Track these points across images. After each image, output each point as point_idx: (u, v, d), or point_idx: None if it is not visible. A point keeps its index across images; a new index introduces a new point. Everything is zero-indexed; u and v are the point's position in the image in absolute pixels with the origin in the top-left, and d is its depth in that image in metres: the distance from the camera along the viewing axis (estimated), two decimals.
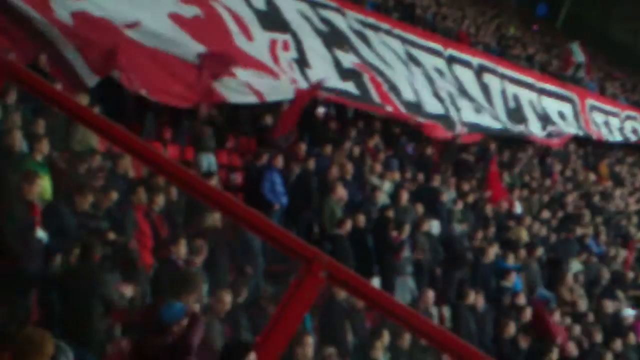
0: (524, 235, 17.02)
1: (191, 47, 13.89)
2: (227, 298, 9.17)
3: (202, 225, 10.85)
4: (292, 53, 16.52)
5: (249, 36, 15.54)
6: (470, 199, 17.67)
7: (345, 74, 17.33)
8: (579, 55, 28.99)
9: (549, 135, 24.28)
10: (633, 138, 30.13)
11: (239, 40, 15.20)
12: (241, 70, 14.50)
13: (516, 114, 23.68)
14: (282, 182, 13.48)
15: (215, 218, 10.80)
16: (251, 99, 14.57)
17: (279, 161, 13.69)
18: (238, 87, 14.34)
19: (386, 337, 10.68)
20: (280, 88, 15.25)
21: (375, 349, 10.42)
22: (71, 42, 12.50)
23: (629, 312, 16.08)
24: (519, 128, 22.68)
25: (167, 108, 13.79)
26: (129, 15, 13.27)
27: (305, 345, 8.89)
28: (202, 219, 10.88)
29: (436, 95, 19.96)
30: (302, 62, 16.55)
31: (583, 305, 15.41)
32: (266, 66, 15.35)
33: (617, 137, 28.72)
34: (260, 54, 15.42)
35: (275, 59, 15.83)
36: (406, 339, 10.99)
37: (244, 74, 14.52)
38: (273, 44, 16.10)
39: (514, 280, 15.18)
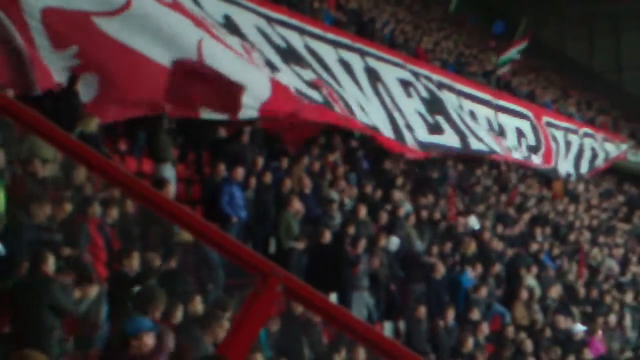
0: (472, 249, 17.10)
1: (171, 47, 13.57)
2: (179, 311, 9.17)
3: (173, 240, 10.78)
4: (260, 56, 16.48)
5: (222, 33, 15.44)
6: (427, 214, 17.78)
7: (309, 84, 17.34)
8: (514, 54, 29.17)
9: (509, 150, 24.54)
10: (598, 162, 30.51)
11: (210, 38, 15.02)
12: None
13: (474, 129, 23.90)
14: (241, 196, 13.43)
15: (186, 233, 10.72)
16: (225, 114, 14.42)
17: (239, 174, 13.64)
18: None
19: (343, 352, 10.68)
20: (257, 76, 15.06)
21: None
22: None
23: (579, 328, 16.22)
24: (478, 145, 22.84)
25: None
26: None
27: None
28: (174, 234, 10.81)
29: (389, 116, 20.00)
30: (271, 66, 16.50)
31: (538, 321, 15.52)
32: (242, 54, 15.29)
33: (569, 167, 28.94)
34: (237, 48, 15.33)
35: (249, 54, 15.77)
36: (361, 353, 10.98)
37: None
38: (244, 45, 16.04)
39: (484, 294, 15.33)
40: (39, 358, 5.76)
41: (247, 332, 3.40)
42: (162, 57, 13.28)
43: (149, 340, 6.94)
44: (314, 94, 16.90)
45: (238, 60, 14.73)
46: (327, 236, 13.77)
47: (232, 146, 14.92)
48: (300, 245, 13.25)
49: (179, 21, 13.78)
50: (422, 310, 13.80)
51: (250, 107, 14.33)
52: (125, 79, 12.81)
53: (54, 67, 12.35)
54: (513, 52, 28.88)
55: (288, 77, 16.47)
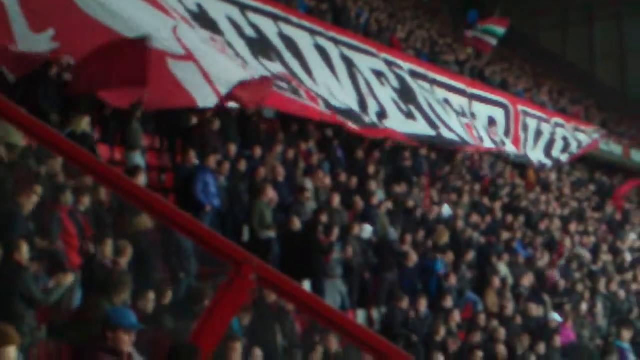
0: (446, 237, 17.16)
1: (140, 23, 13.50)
2: (150, 297, 9.17)
3: (133, 227, 10.72)
4: (230, 51, 16.45)
5: (191, 26, 15.41)
6: (401, 202, 17.84)
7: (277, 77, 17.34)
8: (493, 30, 29.22)
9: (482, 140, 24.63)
10: (572, 150, 30.68)
11: (183, 25, 14.98)
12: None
13: (445, 119, 23.98)
14: (215, 184, 13.38)
15: (145, 220, 10.68)
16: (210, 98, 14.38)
17: (212, 162, 13.59)
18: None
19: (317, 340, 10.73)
20: (231, 67, 15.05)
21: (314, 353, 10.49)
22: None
23: (554, 317, 16.34)
24: (449, 135, 22.91)
25: (95, 106, 13.52)
26: None
27: (234, 351, 8.88)
28: (133, 221, 10.75)
29: (362, 104, 20.03)
30: (240, 58, 16.49)
31: (510, 308, 15.61)
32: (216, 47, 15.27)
33: (539, 155, 29.05)
34: (204, 40, 15.29)
35: (221, 47, 15.73)
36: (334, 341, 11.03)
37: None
38: (212, 38, 16.01)
39: (457, 281, 15.42)
40: (10, 332, 5.75)
41: (219, 321, 3.40)
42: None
43: (125, 337, 6.86)
44: (284, 86, 16.92)
45: (210, 48, 14.73)
46: (297, 224, 13.79)
47: (204, 133, 14.88)
48: (271, 233, 13.28)
49: (150, 11, 13.77)
50: (405, 300, 13.86)
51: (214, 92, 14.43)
52: (103, 62, 12.69)
53: (33, 51, 12.25)
54: (492, 28, 28.90)
55: (256, 70, 16.47)
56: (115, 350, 6.82)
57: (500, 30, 29.06)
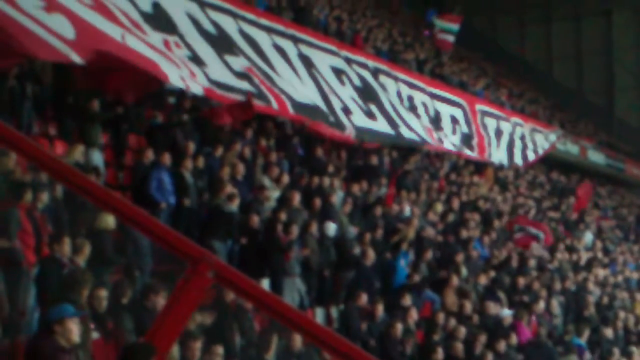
0: (411, 235, 17.25)
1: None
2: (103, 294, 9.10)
3: (95, 226, 10.66)
4: (185, 51, 16.35)
5: (142, 31, 15.29)
6: (361, 201, 17.89)
7: (238, 75, 17.27)
8: (447, 28, 29.39)
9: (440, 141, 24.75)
10: (529, 154, 30.94)
11: (135, 31, 14.87)
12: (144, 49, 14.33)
13: (414, 113, 24.10)
14: (170, 181, 13.31)
15: (108, 219, 10.62)
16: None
17: (167, 159, 13.53)
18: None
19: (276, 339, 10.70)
20: (182, 76, 15.02)
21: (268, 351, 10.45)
22: None
23: (506, 312, 16.47)
24: (409, 135, 22.99)
25: (50, 101, 13.42)
26: None
27: (194, 350, 8.86)
28: (94, 219, 10.68)
29: (325, 99, 20.05)
30: (196, 60, 16.39)
31: (468, 307, 15.70)
32: (166, 55, 15.13)
33: (502, 155, 29.27)
34: (155, 45, 15.17)
35: (172, 52, 15.63)
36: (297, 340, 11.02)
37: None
38: (166, 42, 15.90)
39: (416, 280, 15.46)
40: None
41: (176, 319, 3.38)
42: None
43: (73, 326, 6.86)
44: (244, 85, 16.86)
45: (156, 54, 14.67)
46: (255, 222, 13.77)
47: (163, 132, 14.84)
48: (233, 206, 13.33)
49: (99, 20, 13.73)
50: (364, 298, 13.88)
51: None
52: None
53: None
54: (447, 25, 29.06)
55: (215, 71, 16.39)
56: (63, 346, 6.83)
57: (455, 27, 29.21)
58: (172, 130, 14.90)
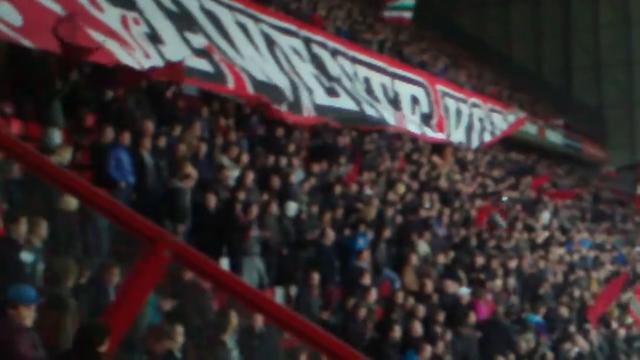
0: (372, 215, 17.32)
1: None
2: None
3: (54, 206, 10.54)
4: (144, 28, 16.17)
5: (99, 8, 15.10)
6: (321, 180, 17.89)
7: (198, 52, 17.13)
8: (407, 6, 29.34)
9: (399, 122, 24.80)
10: (486, 135, 31.08)
11: (90, 9, 14.71)
12: (94, 33, 14.12)
13: (370, 95, 24.08)
14: (129, 160, 13.20)
15: (70, 200, 10.50)
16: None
17: (126, 138, 13.41)
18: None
19: (235, 319, 10.68)
20: (134, 59, 14.90)
21: (225, 331, 10.43)
22: None
23: (464, 291, 16.61)
24: (371, 112, 23.00)
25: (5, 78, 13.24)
26: None
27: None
28: (56, 200, 10.56)
29: (287, 77, 20.00)
30: (154, 38, 16.22)
31: (428, 286, 15.80)
32: (120, 36, 14.98)
33: (460, 136, 29.39)
34: (112, 24, 15.01)
35: (128, 31, 15.45)
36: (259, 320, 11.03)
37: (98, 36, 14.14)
38: (124, 18, 15.71)
39: (367, 260, 15.49)
40: None
41: (133, 299, 3.37)
42: None
43: (28, 311, 6.79)
44: (203, 64, 16.73)
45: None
46: (212, 201, 13.72)
47: (120, 109, 14.69)
48: (181, 184, 13.29)
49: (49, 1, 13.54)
50: (315, 277, 13.88)
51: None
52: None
53: None
54: (401, 3, 28.92)
55: (172, 50, 16.23)
56: (19, 327, 6.78)
57: (410, 2, 29.10)
58: (128, 109, 14.72)
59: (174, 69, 15.24)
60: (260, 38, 20.27)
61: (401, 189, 20.66)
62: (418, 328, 13.84)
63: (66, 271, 8.67)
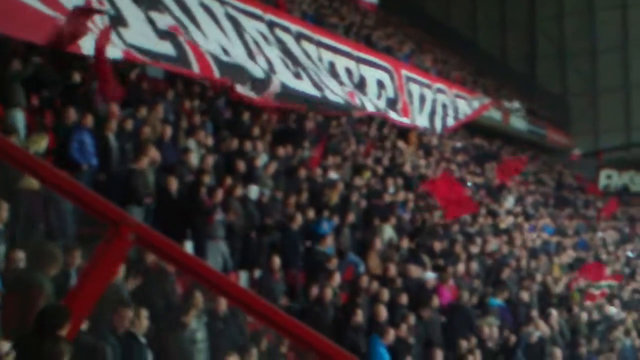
0: (335, 199, 17.36)
1: None
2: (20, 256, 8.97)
3: (15, 186, 10.43)
4: (109, 9, 16.01)
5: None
6: (286, 164, 17.89)
7: (162, 34, 17.00)
8: None
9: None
10: (449, 121, 31.14)
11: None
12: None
13: (335, 79, 24.03)
14: (92, 143, 13.10)
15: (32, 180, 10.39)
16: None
17: (89, 120, 13.31)
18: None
19: (200, 301, 10.66)
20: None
21: (188, 314, 10.40)
22: None
23: (429, 275, 16.71)
24: (336, 99, 22.98)
25: None
26: None
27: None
28: (17, 180, 10.46)
29: (252, 58, 19.92)
30: (118, 21, 16.07)
31: (392, 270, 15.86)
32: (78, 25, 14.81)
33: (424, 121, 29.44)
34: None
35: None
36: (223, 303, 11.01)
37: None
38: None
39: (330, 244, 15.51)
40: None
41: (96, 282, 3.35)
42: None
43: None
44: (165, 47, 16.60)
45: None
46: (174, 185, 13.65)
47: (86, 92, 14.58)
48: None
49: None
50: (276, 261, 13.87)
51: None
52: None
53: None
54: None
55: (136, 33, 16.09)
56: None
57: None
58: (89, 90, 14.60)
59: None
60: (226, 20, 20.16)
61: (367, 175, 20.71)
62: (383, 312, 13.90)
63: (48, 256, 8.59)
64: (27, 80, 13.79)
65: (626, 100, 49.31)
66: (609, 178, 47.27)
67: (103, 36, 14.33)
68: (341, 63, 25.29)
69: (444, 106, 30.99)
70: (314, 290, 13.72)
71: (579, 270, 21.50)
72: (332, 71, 24.48)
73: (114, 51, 14.88)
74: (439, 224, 20.70)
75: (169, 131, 15.08)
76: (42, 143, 11.79)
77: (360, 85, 25.71)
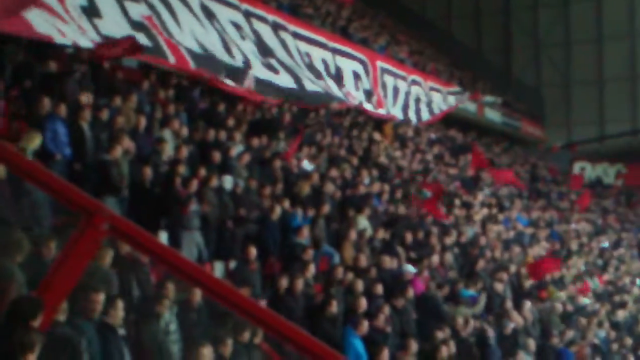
0: (307, 190, 17.35)
1: None
2: None
3: None
4: (81, 0, 15.92)
5: None
6: (261, 155, 17.86)
7: (135, 25, 16.93)
8: None
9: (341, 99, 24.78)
10: (425, 115, 31.20)
11: None
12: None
13: (312, 71, 24.01)
14: (66, 132, 13.02)
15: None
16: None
17: (62, 110, 13.21)
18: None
19: (172, 292, 10.61)
20: (68, 32, 14.68)
21: (162, 305, 10.35)
22: None
23: (408, 269, 16.74)
24: (315, 88, 22.95)
25: None
26: None
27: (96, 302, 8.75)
28: None
29: (227, 50, 19.87)
30: (91, 11, 15.97)
31: (364, 261, 15.87)
32: (54, 9, 14.71)
33: (398, 113, 29.47)
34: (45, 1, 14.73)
35: (63, 4, 15.18)
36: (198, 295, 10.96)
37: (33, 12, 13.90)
38: None
39: (306, 235, 15.49)
40: None
41: (69, 272, 3.32)
42: None
43: None
44: (140, 38, 16.53)
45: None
46: (149, 175, 13.60)
47: (63, 81, 14.49)
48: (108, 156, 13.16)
49: None
50: (252, 252, 13.83)
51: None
52: None
53: None
54: None
55: (109, 23, 16.00)
56: None
57: None
58: (67, 80, 14.53)
59: (129, 44, 15.13)
60: (201, 11, 20.08)
61: (344, 167, 20.73)
62: (363, 303, 13.90)
63: (15, 244, 8.50)
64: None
65: (600, 93, 49.61)
66: (583, 170, 47.63)
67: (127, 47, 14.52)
68: (317, 54, 25.29)
69: (418, 100, 31.03)
70: (284, 282, 13.63)
71: (536, 265, 21.56)
72: (310, 62, 24.46)
73: (84, 41, 14.84)
74: (413, 215, 20.76)
75: (143, 121, 15.01)
76: (36, 140, 11.75)
77: (337, 77, 25.72)
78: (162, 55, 16.94)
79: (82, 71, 15.34)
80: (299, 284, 13.41)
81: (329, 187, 18.45)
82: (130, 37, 15.50)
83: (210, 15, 20.36)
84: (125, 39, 15.34)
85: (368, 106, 26.94)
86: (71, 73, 14.94)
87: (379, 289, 14.97)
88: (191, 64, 17.67)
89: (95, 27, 15.61)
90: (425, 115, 31.51)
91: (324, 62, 25.55)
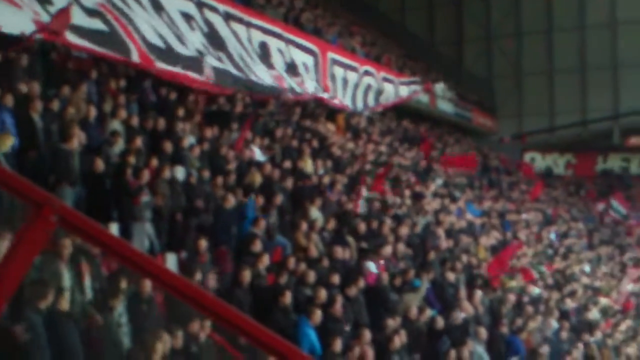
0: (258, 180, 17.33)
1: None
2: None
3: None
4: None
5: None
6: (213, 146, 17.79)
7: (90, 12, 16.74)
8: None
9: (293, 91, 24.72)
10: (372, 103, 31.25)
11: None
12: None
13: (265, 62, 23.93)
14: (13, 122, 12.84)
15: None
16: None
17: (9, 100, 13.03)
18: None
19: (124, 284, 10.55)
20: (19, 19, 14.45)
21: (116, 298, 10.29)
22: None
23: (370, 266, 16.81)
24: (267, 79, 22.89)
25: None
26: None
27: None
28: None
29: (180, 40, 19.73)
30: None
31: (314, 251, 15.90)
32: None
33: (347, 101, 29.49)
34: None
35: None
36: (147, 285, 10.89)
37: None
38: None
39: (262, 227, 15.45)
40: None
41: (17, 265, 3.27)
42: None
43: None
44: (96, 23, 16.35)
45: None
46: (100, 166, 13.48)
47: (10, 69, 14.29)
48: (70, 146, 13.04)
49: None
50: (203, 243, 13.75)
51: None
52: None
53: None
54: None
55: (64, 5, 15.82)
56: None
57: None
58: (14, 70, 14.32)
59: (61, 18, 14.80)
60: (148, 3, 19.86)
61: (308, 162, 20.74)
62: (323, 293, 13.91)
63: None
64: None
65: (550, 84, 50.12)
66: (533, 160, 48.18)
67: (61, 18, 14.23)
68: (273, 43, 25.20)
69: (368, 88, 31.01)
70: (236, 272, 13.57)
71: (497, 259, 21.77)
72: (264, 52, 24.36)
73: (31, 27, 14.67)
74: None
75: (93, 111, 14.86)
76: (7, 142, 11.60)
77: (292, 67, 25.67)
78: (121, 47, 16.77)
79: (29, 60, 15.11)
80: (246, 275, 13.33)
81: (282, 178, 18.43)
82: (64, 9, 15.16)
83: (158, 7, 20.16)
84: (61, 12, 15.02)
85: (324, 95, 26.95)
86: (16, 62, 14.71)
87: (335, 278, 14.98)
88: (155, 62, 17.54)
89: (47, 11, 15.40)
90: (372, 103, 31.50)
91: (280, 51, 25.48)
